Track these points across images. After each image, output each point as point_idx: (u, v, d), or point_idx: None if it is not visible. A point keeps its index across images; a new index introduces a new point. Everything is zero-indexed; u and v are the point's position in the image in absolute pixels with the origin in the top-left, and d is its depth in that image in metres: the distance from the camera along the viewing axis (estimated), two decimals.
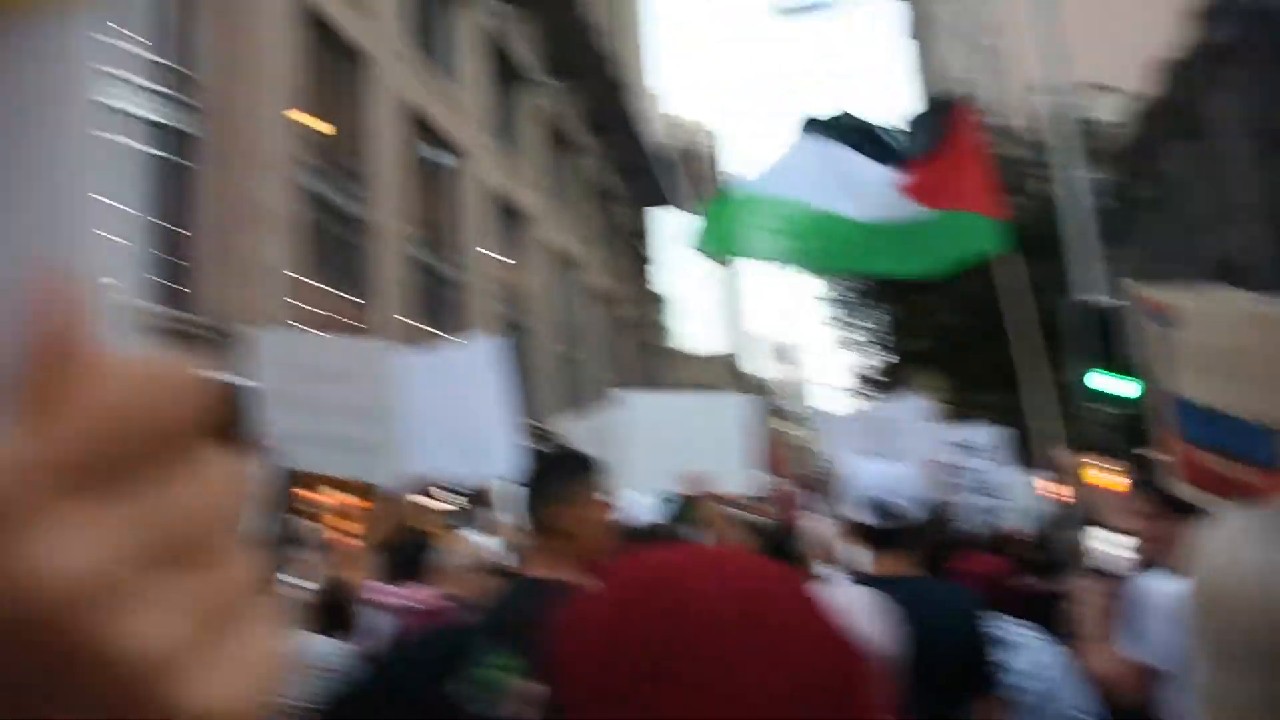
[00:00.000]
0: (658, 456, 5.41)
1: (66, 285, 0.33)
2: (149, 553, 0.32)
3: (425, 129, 22.15)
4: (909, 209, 5.41)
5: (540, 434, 24.57)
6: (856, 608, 2.23)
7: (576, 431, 6.51)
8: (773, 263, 5.98)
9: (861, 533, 3.15)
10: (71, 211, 0.35)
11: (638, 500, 6.31)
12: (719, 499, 5.02)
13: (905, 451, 6.21)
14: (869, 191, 5.51)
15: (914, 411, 7.60)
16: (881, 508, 3.08)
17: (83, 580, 0.31)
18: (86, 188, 0.36)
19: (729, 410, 5.95)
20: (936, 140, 5.50)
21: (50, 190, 0.35)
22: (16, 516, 0.31)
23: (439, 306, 21.79)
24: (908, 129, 5.77)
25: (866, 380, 25.56)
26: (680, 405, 6.12)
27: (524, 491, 2.64)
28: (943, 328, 20.62)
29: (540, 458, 2.87)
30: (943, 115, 5.68)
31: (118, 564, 0.31)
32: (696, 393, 8.99)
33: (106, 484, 0.32)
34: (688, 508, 5.99)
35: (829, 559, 5.28)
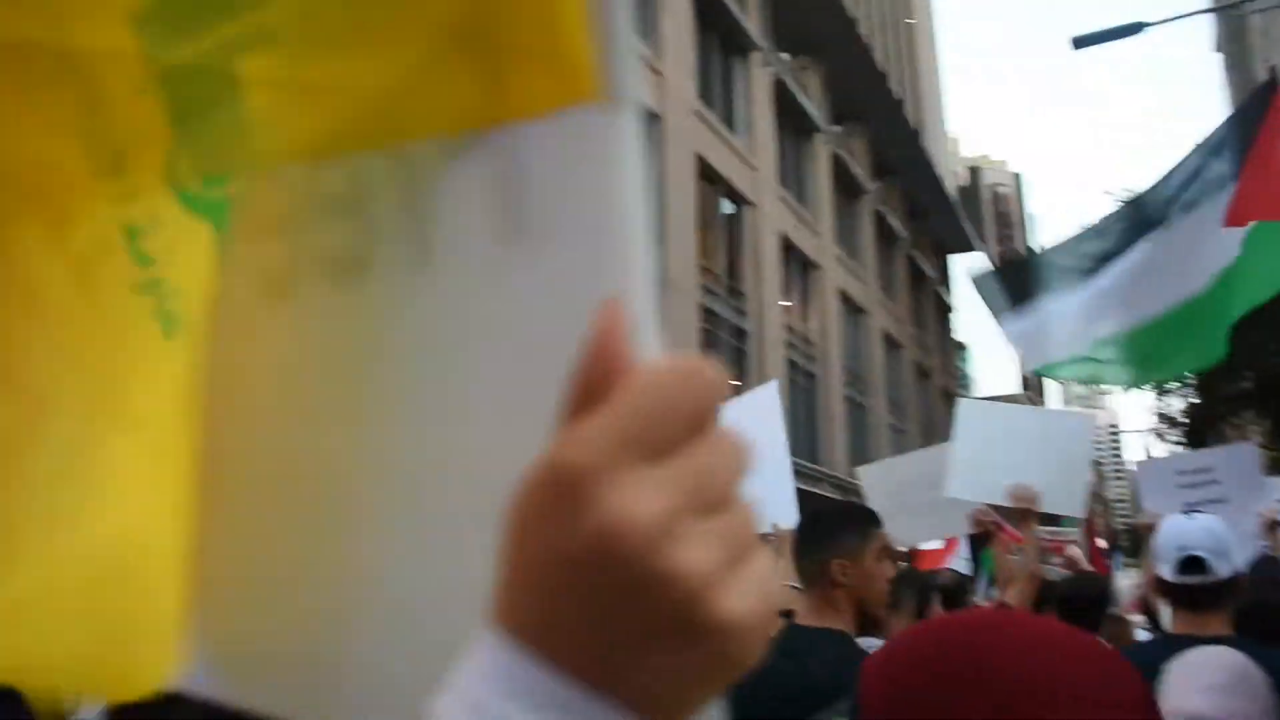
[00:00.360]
0: (989, 467, 5.26)
1: (618, 314, 0.47)
2: (690, 502, 0.43)
3: (716, 181, 22.65)
4: (1232, 243, 4.95)
5: (828, 480, 24.27)
6: (1215, 671, 2.12)
7: (869, 478, 6.44)
8: (1121, 385, 5.78)
9: (1165, 589, 2.98)
10: (622, 261, 0.54)
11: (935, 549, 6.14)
12: (1034, 518, 4.84)
13: (1226, 504, 5.77)
14: (1160, 275, 5.19)
15: (1238, 460, 7.02)
16: (1186, 563, 2.90)
17: (649, 524, 0.42)
18: (632, 245, 0.55)
19: (1069, 428, 5.67)
20: (1250, 145, 5.02)
21: (608, 245, 0.55)
22: (600, 479, 0.42)
23: (730, 355, 22.10)
24: (1223, 138, 5.31)
25: (1167, 421, 23.61)
26: (1019, 417, 5.91)
27: (801, 541, 2.67)
28: (1266, 366, 18.80)
29: (819, 509, 2.89)
30: (1256, 111, 5.19)
31: (671, 512, 0.42)
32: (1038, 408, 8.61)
33: (658, 453, 0.43)
34: (987, 559, 5.79)
35: (1148, 613, 4.98)
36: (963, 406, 6.16)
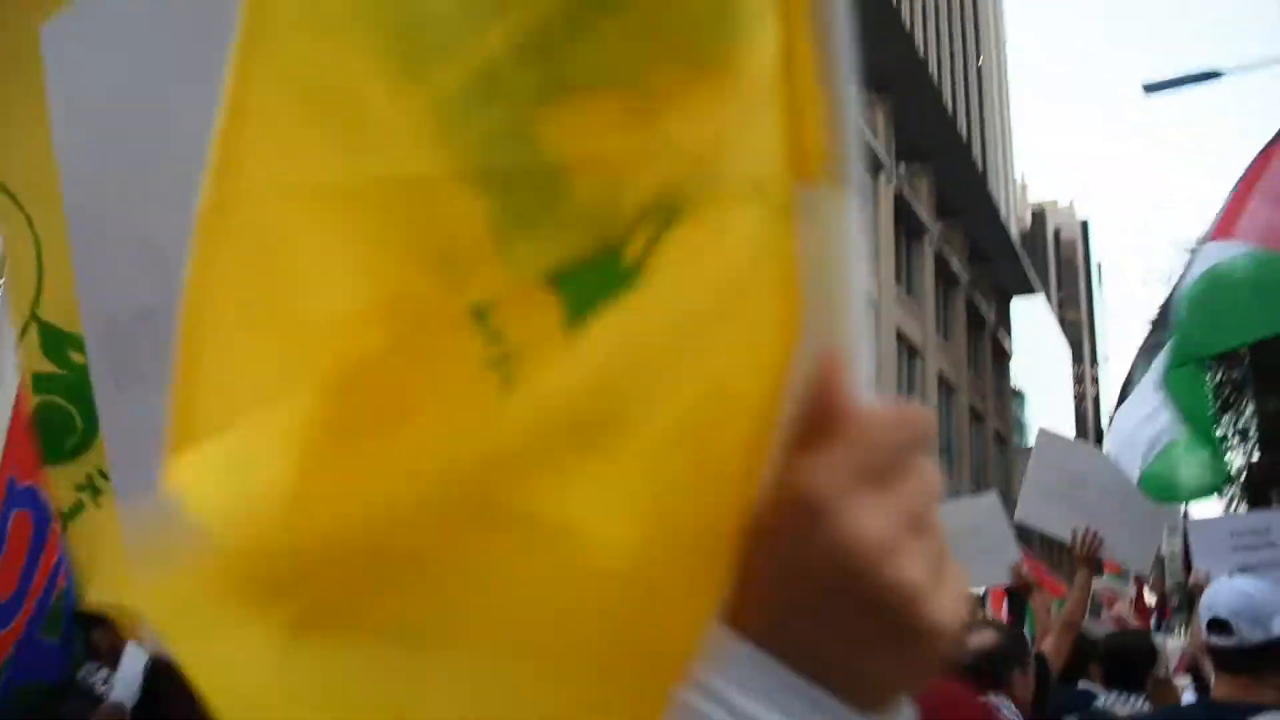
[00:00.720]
0: (1061, 501, 5.17)
1: (838, 363, 0.54)
2: (908, 524, 0.50)
3: None
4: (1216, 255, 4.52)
5: None
6: None
7: None
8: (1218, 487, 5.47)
9: (1207, 652, 2.92)
10: (840, 323, 0.59)
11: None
12: (1093, 565, 4.74)
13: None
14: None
15: None
16: (1212, 625, 2.83)
17: (879, 542, 0.48)
18: (850, 313, 0.60)
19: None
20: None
21: (828, 308, 0.59)
22: (838, 503, 0.49)
23: None
24: None
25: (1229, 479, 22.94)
26: (1094, 459, 5.80)
27: None
28: None
29: None
30: None
31: (895, 532, 0.49)
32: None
33: (882, 482, 0.50)
34: (1029, 613, 5.69)
35: (1196, 675, 4.86)
36: (1041, 437, 6.07)
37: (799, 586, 0.50)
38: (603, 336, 0.65)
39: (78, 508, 1.66)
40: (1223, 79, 14.27)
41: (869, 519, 0.49)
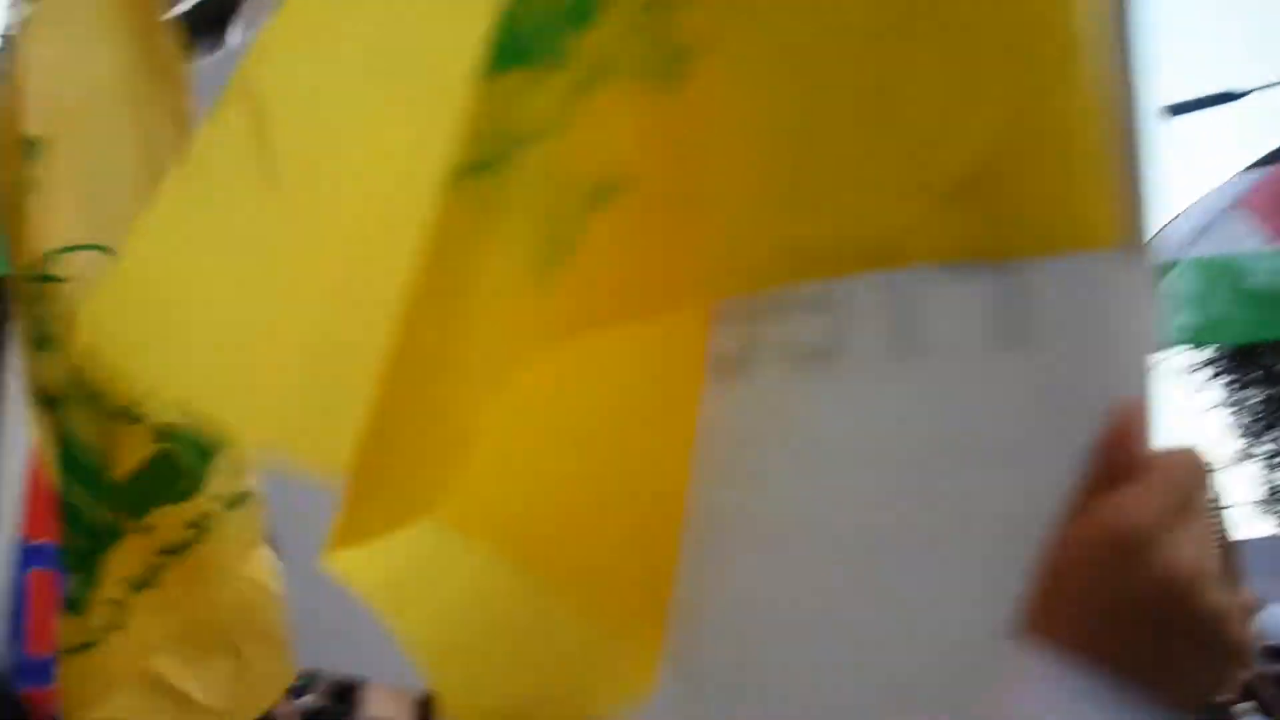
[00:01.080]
0: None
1: (1136, 409, 0.60)
2: (1209, 552, 0.57)
3: None
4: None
5: None
6: None
7: None
8: None
9: (1259, 679, 2.90)
10: (1134, 374, 0.63)
11: None
12: None
13: None
14: None
15: None
16: (1276, 653, 2.82)
17: (1197, 569, 0.56)
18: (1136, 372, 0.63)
19: None
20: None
21: (1112, 367, 0.63)
22: (1158, 535, 0.56)
23: None
24: None
25: (1275, 495, 22.32)
26: None
27: None
28: None
29: None
30: None
31: (1206, 559, 0.56)
32: None
33: (1188, 515, 0.57)
34: None
35: (1259, 700, 4.77)
36: None
37: (1117, 606, 0.56)
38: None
39: (185, 544, 1.79)
40: (1241, 99, 14.17)
41: (1186, 550, 0.56)
